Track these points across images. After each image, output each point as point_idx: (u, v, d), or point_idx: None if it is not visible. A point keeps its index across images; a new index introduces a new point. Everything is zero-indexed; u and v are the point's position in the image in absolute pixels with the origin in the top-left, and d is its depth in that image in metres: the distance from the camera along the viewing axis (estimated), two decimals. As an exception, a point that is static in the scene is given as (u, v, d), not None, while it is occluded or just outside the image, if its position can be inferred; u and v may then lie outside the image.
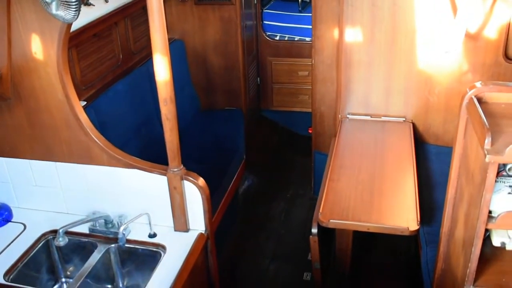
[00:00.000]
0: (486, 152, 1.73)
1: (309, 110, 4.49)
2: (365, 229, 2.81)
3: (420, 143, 3.83)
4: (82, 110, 2.61)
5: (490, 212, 1.90)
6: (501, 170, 1.94)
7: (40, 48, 2.47)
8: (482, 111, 1.89)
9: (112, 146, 2.65)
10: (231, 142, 4.32)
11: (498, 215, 1.88)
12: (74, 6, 2.16)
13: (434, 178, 3.49)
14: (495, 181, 1.82)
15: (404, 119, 3.84)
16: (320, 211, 2.85)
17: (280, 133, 5.72)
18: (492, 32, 3.42)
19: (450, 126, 3.76)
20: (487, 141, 1.74)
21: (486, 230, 1.98)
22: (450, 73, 3.62)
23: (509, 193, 1.91)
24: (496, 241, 2.08)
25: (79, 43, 3.25)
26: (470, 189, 2.03)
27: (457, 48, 3.38)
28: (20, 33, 2.46)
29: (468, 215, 2.05)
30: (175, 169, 2.55)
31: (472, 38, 3.46)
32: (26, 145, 2.77)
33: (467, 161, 2.10)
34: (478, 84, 2.06)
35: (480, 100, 2.02)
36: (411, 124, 3.79)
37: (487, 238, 2.13)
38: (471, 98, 2.02)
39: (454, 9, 3.35)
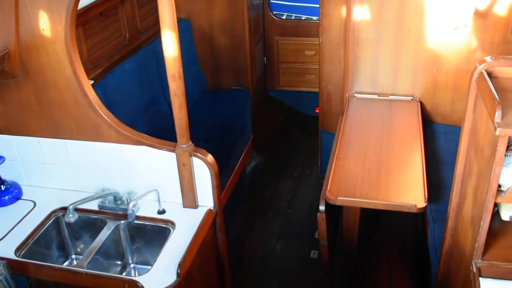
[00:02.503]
0: (496, 125, 1.73)
1: (316, 90, 4.48)
2: (372, 206, 2.82)
3: (427, 122, 3.82)
4: (90, 87, 2.61)
5: (499, 186, 1.90)
6: (510, 144, 1.94)
7: (48, 24, 2.46)
8: (492, 85, 1.89)
9: (121, 123, 2.65)
10: (238, 122, 4.33)
11: (508, 189, 1.88)
12: (82, -19, 2.16)
13: (442, 157, 3.49)
14: (505, 155, 1.81)
15: (411, 98, 3.82)
16: (328, 188, 2.85)
17: (287, 113, 5.72)
18: (501, 10, 3.38)
19: (458, 105, 3.74)
20: (498, 114, 1.73)
21: (495, 205, 1.98)
22: (459, 51, 3.60)
23: (519, 167, 1.91)
24: (505, 215, 2.08)
25: (85, 22, 3.24)
26: (479, 164, 2.03)
27: (467, 24, 3.36)
28: (28, 10, 2.45)
29: (477, 189, 2.05)
30: (184, 146, 2.56)
31: (481, 16, 3.43)
32: (34, 123, 2.78)
33: (476, 136, 2.10)
34: (488, 59, 2.05)
35: (490, 75, 2.01)
36: (419, 103, 3.78)
37: (495, 214, 2.13)
38: (481, 73, 2.02)
39: (463, -15, 3.33)
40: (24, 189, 2.97)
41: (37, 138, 2.82)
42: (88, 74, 3.07)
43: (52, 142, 2.81)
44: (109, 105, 2.99)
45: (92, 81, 3.27)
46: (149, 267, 2.44)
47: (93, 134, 2.70)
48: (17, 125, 2.81)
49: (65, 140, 2.78)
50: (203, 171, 2.62)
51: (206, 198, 2.72)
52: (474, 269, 2.05)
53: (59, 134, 2.77)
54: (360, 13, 3.63)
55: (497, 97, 1.78)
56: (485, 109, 1.92)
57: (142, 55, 3.85)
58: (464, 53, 3.59)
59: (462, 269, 2.26)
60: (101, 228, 2.71)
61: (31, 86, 2.66)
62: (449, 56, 3.62)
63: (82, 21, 3.16)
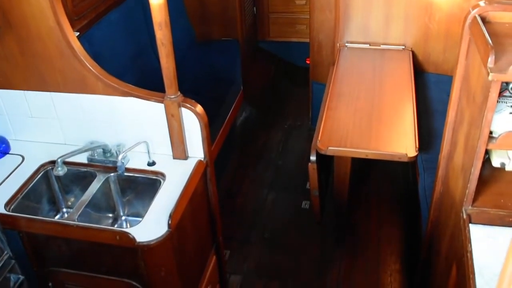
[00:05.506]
0: (489, 70, 1.70)
1: (307, 40, 4.41)
2: (363, 156, 2.82)
3: (419, 71, 3.79)
4: (75, 37, 2.54)
5: (490, 132, 1.89)
6: (503, 90, 1.92)
7: (28, -28, 2.38)
8: (486, 30, 1.85)
9: (108, 74, 2.59)
10: (227, 73, 4.27)
11: (499, 135, 1.87)
12: None
13: (433, 107, 3.48)
14: (497, 101, 1.80)
15: (403, 47, 3.78)
16: (319, 138, 2.84)
17: (277, 64, 5.65)
18: (496, -46, 3.30)
19: (450, 55, 3.70)
20: (491, 59, 1.71)
21: (486, 152, 1.98)
22: (451, -1, 3.54)
23: (511, 113, 1.90)
24: (495, 162, 2.08)
25: (68, -30, 3.13)
26: (471, 110, 2.01)
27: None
28: (7, -43, 2.36)
29: (468, 136, 2.04)
30: (172, 96, 2.51)
31: (475, -39, 3.35)
32: (19, 76, 2.71)
33: (469, 83, 2.08)
34: (482, 3, 2.01)
35: (483, 20, 1.97)
36: (411, 52, 3.74)
37: (486, 161, 2.13)
38: (475, 17, 1.98)
39: None
40: (12, 144, 2.93)
41: (23, 92, 2.76)
42: (73, 26, 2.98)
43: (38, 95, 2.75)
44: (96, 57, 2.92)
45: (78, 33, 3.18)
46: (141, 219, 2.43)
47: (80, 86, 2.64)
48: (1, 78, 2.74)
49: (52, 93, 2.72)
50: (192, 121, 2.59)
51: (196, 149, 2.70)
52: (464, 216, 2.06)
53: (45, 87, 2.71)
54: (352, -41, 3.55)
55: (490, 42, 1.75)
56: (478, 55, 1.89)
57: (128, 6, 3.74)
58: (457, 1, 3.52)
59: (452, 216, 2.27)
60: (91, 181, 2.69)
61: (14, 38, 2.58)
62: (441, 4, 3.56)
63: (64, -31, 3.05)
